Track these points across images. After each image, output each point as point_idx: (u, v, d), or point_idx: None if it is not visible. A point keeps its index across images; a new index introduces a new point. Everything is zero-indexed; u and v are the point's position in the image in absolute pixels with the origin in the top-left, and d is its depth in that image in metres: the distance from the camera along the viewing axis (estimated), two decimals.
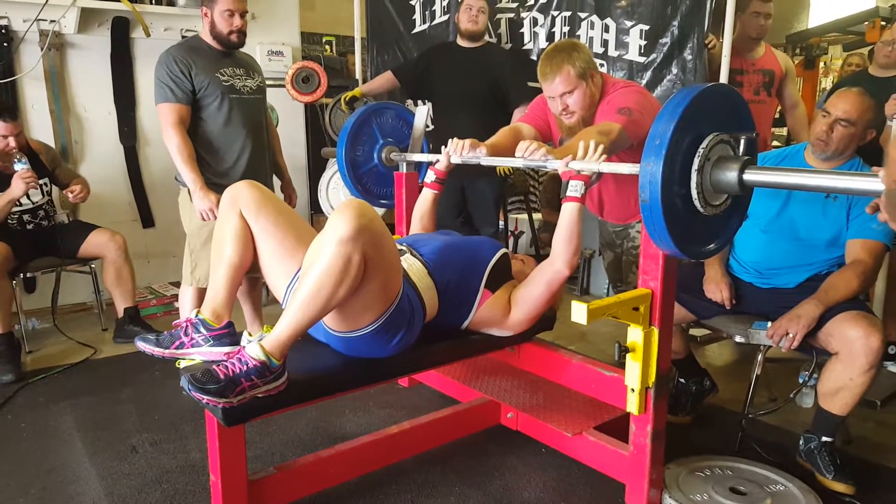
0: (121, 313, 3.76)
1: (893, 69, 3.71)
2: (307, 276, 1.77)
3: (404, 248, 2.23)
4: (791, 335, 2.29)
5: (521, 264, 2.48)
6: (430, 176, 2.65)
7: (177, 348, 2.03)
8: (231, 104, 3.11)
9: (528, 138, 2.60)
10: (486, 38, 4.13)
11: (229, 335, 2.05)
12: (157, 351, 2.03)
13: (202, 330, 2.03)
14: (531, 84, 3.90)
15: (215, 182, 3.08)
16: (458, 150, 2.52)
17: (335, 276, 1.74)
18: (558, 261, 2.19)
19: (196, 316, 2.05)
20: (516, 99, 3.88)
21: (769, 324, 2.39)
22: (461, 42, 4.00)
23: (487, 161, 2.48)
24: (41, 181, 3.66)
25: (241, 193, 2.08)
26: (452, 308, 2.21)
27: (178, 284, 4.56)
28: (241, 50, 3.23)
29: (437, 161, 2.63)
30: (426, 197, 2.67)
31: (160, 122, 3.05)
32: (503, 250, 2.35)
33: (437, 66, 4.03)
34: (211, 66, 3.07)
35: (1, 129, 3.42)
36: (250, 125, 3.19)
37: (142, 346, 2.05)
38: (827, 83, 6.79)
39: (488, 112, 3.83)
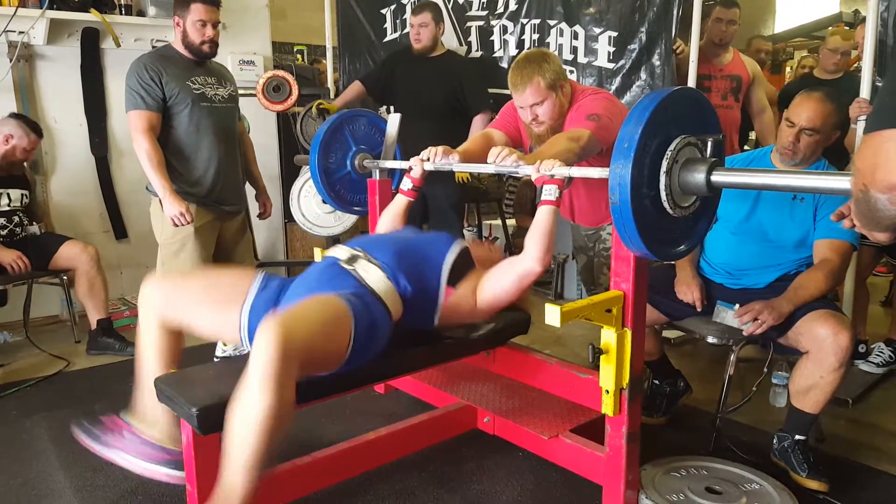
0: (94, 325, 3.73)
1: (839, 73, 3.81)
2: (238, 438, 1.66)
3: (359, 252, 2.16)
4: (760, 320, 2.32)
5: (488, 251, 2.45)
6: (405, 183, 2.64)
7: (111, 448, 2.06)
8: (202, 112, 3.11)
9: (500, 144, 2.62)
10: (446, 46, 4.21)
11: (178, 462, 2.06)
12: (96, 449, 2.05)
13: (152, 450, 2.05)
14: (491, 90, 4.04)
15: (186, 191, 3.07)
16: (432, 157, 2.52)
17: (271, 424, 1.64)
18: (531, 258, 2.15)
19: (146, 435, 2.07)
20: (475, 107, 3.98)
21: (736, 305, 2.42)
22: (417, 53, 4.10)
23: (460, 168, 2.49)
24: (24, 191, 3.76)
25: (149, 297, 2.08)
26: (417, 309, 2.17)
27: None
28: (213, 59, 3.22)
29: (412, 168, 2.63)
30: (399, 202, 2.65)
31: (130, 129, 3.04)
32: (460, 244, 2.30)
33: (398, 73, 4.11)
34: (182, 74, 3.07)
35: (27, 143, 3.65)
36: (221, 134, 3.18)
37: (84, 439, 2.07)
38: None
39: (448, 119, 3.89)
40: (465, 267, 2.26)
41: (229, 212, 3.27)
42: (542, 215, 2.16)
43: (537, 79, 2.52)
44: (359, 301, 1.95)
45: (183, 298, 2.07)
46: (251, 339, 1.91)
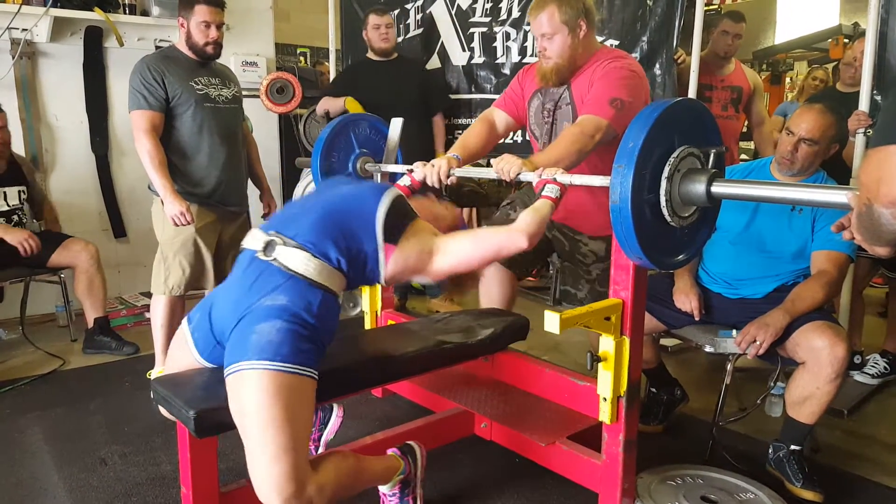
0: (91, 324, 3.73)
1: (859, 86, 3.80)
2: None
3: (274, 236, 1.88)
4: (758, 342, 2.33)
5: (431, 203, 2.19)
6: (404, 180, 2.62)
7: None
8: (205, 113, 3.10)
9: (501, 129, 2.65)
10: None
11: None
12: None
13: None
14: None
15: (189, 191, 3.06)
16: (434, 178, 2.43)
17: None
18: (522, 230, 1.93)
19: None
20: (437, 106, 4.22)
21: (734, 332, 2.43)
22: (374, 57, 4.18)
23: (462, 173, 2.48)
24: (20, 187, 3.71)
25: None
26: (359, 275, 1.92)
27: (149, 295, 4.52)
28: (217, 61, 3.23)
29: (413, 170, 2.62)
30: None
31: (133, 128, 3.03)
32: (392, 194, 1.96)
33: (360, 82, 4.13)
34: (185, 74, 3.06)
35: None
36: (224, 134, 3.17)
37: None
38: (792, 97, 6.94)
39: (421, 117, 3.94)
40: (402, 218, 1.95)
41: (232, 212, 3.27)
42: (541, 204, 2.04)
43: (552, 8, 2.40)
44: (282, 324, 1.75)
45: None
46: (212, 361, 1.95)
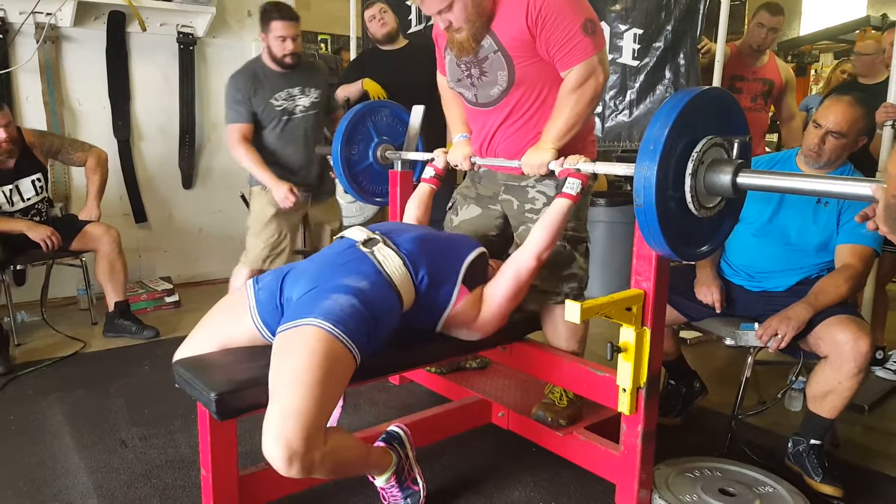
0: (111, 307, 3.76)
1: (877, 76, 3.75)
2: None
3: (378, 236, 2.06)
4: (780, 336, 2.30)
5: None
6: (428, 171, 2.64)
7: None
8: (285, 125, 3.50)
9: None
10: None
11: None
12: None
13: None
14: None
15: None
16: (466, 165, 2.51)
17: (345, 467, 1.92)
18: (529, 251, 2.11)
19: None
20: None
21: (756, 325, 2.41)
22: (384, 47, 4.11)
23: (486, 163, 2.48)
24: (35, 176, 3.67)
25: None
26: (428, 301, 2.07)
27: (168, 279, 4.59)
28: (304, 60, 3.53)
29: (434, 159, 2.63)
30: (423, 190, 2.62)
31: (227, 140, 3.47)
32: (481, 249, 2.20)
33: (368, 70, 4.09)
34: (268, 93, 3.42)
35: None
36: (300, 140, 3.56)
37: None
38: (817, 90, 6.88)
39: (430, 105, 3.89)
40: (481, 272, 2.19)
41: (307, 198, 3.61)
42: (557, 207, 2.13)
43: None
44: (356, 302, 1.83)
45: (203, 346, 2.03)
46: (272, 332, 1.92)
